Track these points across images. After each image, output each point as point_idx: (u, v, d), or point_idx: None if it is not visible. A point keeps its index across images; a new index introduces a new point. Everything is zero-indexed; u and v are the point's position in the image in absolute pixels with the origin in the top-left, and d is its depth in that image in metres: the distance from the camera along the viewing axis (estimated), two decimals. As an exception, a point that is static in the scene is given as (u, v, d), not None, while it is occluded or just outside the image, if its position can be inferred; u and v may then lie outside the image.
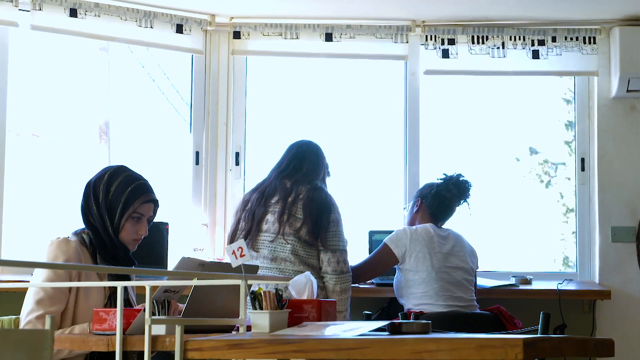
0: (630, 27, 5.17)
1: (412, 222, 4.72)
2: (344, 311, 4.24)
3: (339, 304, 4.20)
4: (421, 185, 4.87)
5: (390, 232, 4.67)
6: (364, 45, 5.36)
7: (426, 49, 5.37)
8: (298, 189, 4.30)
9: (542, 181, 5.78)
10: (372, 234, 5.09)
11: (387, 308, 4.82)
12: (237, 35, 5.39)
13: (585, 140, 5.46)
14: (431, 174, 4.89)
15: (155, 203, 3.54)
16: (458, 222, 4.80)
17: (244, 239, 4.25)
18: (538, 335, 3.08)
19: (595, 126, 5.38)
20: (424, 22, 5.35)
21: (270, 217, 4.26)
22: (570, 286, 5.13)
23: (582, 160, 5.46)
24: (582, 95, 5.49)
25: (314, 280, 3.23)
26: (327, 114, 5.60)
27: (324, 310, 3.06)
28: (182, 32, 5.30)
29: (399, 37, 5.36)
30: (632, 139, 5.32)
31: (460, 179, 4.68)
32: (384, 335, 2.73)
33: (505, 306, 4.48)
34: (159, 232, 4.87)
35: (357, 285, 4.57)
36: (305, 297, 3.18)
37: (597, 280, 5.31)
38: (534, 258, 5.61)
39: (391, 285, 4.67)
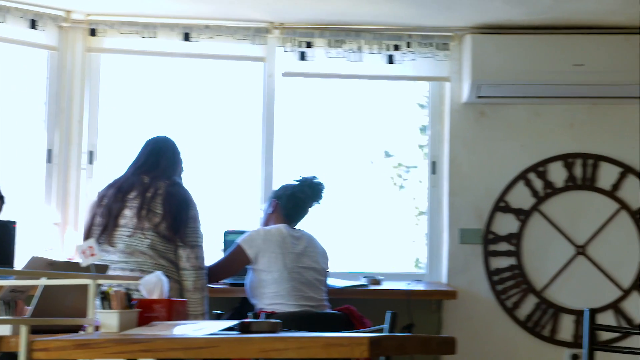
0: (481, 34, 5.33)
1: (266, 223, 4.76)
2: (205, 313, 4.25)
3: (197, 304, 4.21)
4: (276, 187, 4.91)
5: (245, 232, 4.70)
6: (222, 45, 5.37)
7: (284, 51, 5.41)
8: (157, 184, 4.29)
9: (395, 184, 5.90)
10: (227, 233, 5.11)
11: (239, 308, 4.84)
12: (93, 32, 5.32)
13: (437, 144, 5.60)
14: (288, 176, 4.94)
15: (1, 199, 3.47)
16: (313, 223, 4.86)
17: (101, 234, 4.21)
18: (383, 334, 3.15)
19: (447, 131, 5.52)
20: (282, 24, 5.39)
21: (128, 212, 4.24)
22: (419, 286, 5.27)
23: (434, 163, 5.60)
24: (435, 100, 5.63)
25: (165, 280, 3.23)
26: (185, 114, 5.58)
27: (174, 310, 3.06)
28: (35, 28, 5.20)
29: (257, 38, 5.40)
30: (481, 143, 5.48)
31: (315, 180, 4.75)
32: (234, 334, 2.75)
33: (356, 306, 4.56)
34: (6, 231, 4.77)
35: (210, 285, 4.58)
36: (155, 296, 3.18)
37: (445, 280, 5.46)
38: (387, 259, 5.72)
39: (243, 285, 4.69)
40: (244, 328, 2.81)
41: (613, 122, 5.49)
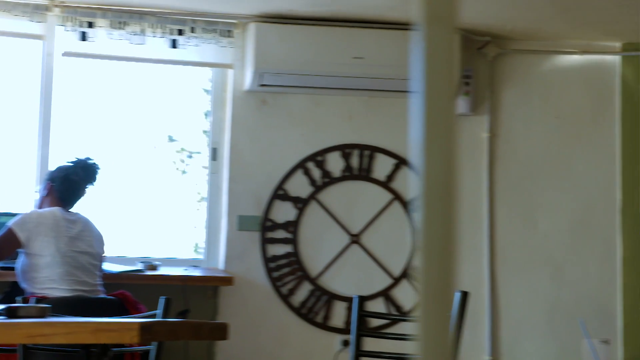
0: (265, 23, 5.37)
1: (41, 206, 4.64)
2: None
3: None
4: (52, 168, 4.79)
5: (18, 215, 4.56)
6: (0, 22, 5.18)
7: (65, 30, 5.27)
8: None
9: (178, 169, 5.87)
10: (-1, 216, 4.94)
11: (9, 293, 4.70)
12: None
13: (219, 131, 5.61)
14: (67, 158, 4.82)
15: None
16: (93, 207, 4.78)
17: None
18: (154, 320, 3.14)
19: (229, 118, 5.54)
20: (62, 2, 5.25)
21: None
22: (195, 272, 5.27)
23: (215, 150, 5.61)
24: (217, 87, 5.64)
25: None
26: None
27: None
28: None
29: (36, 16, 5.23)
30: (262, 132, 5.54)
31: (89, 162, 4.66)
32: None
33: (132, 292, 4.51)
34: None
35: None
36: None
37: (222, 267, 5.49)
38: (168, 245, 5.69)
39: (14, 269, 4.56)
40: (10, 313, 2.73)
41: (388, 114, 5.66)
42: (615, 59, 5.64)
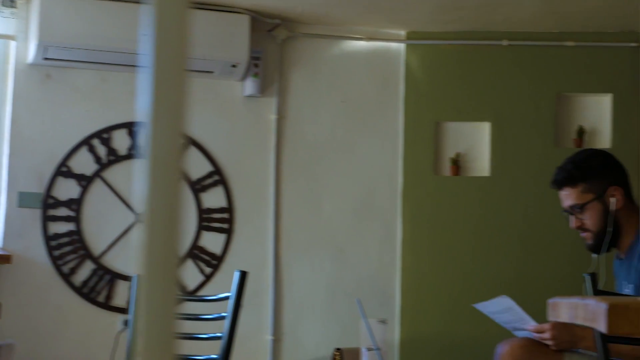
0: (52, -4, 5.22)
1: None
2: None
3: None
4: None
5: None
6: None
7: None
8: None
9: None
10: None
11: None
12: None
13: (0, 104, 5.41)
14: None
15: None
16: None
17: None
18: None
19: (10, 91, 5.35)
20: None
21: None
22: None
23: (-6, 124, 5.41)
24: (0, 59, 5.44)
25: None
26: None
27: None
28: None
29: None
30: (46, 107, 5.38)
31: None
32: None
33: None
34: None
35: None
36: None
37: (0, 244, 5.30)
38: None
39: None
40: None
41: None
42: (400, 47, 5.80)
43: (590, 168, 3.50)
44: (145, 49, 0.84)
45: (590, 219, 3.50)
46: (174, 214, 0.81)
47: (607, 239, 3.48)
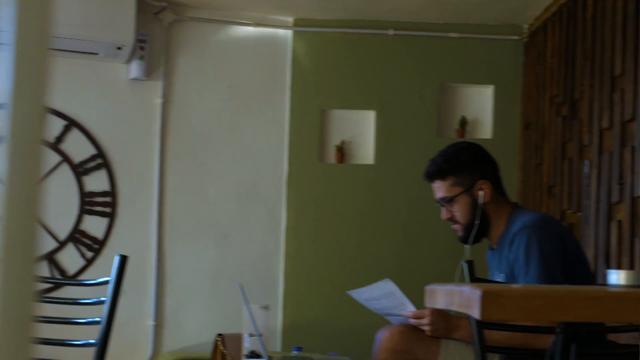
0: None
1: None
2: None
3: None
4: None
5: None
6: None
7: None
8: None
9: None
10: None
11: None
12: None
13: None
14: None
15: None
16: None
17: None
18: None
19: None
20: None
21: None
22: None
23: None
24: None
25: None
26: None
27: None
28: None
29: None
30: None
31: None
32: None
33: None
34: None
35: None
36: None
37: None
38: None
39: None
40: None
41: (59, 74, 5.51)
42: (287, 34, 5.80)
43: (459, 162, 3.56)
44: (6, 26, 0.82)
45: (459, 211, 3.57)
46: (34, 197, 0.79)
47: (474, 231, 3.55)
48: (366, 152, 5.80)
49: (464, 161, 3.57)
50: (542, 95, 5.42)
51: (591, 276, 3.49)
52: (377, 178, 5.75)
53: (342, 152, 5.75)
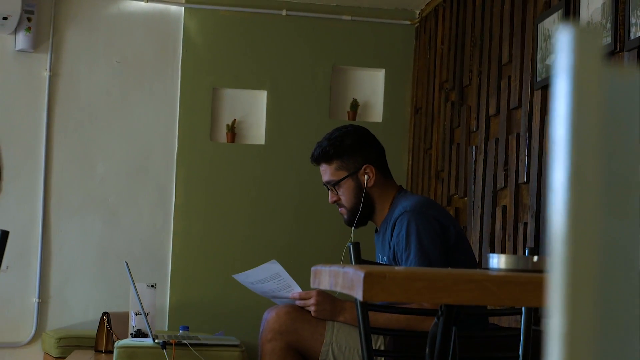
0: None
1: None
2: None
3: None
4: None
5: None
6: None
7: None
8: None
9: None
10: None
11: None
12: None
13: None
14: None
15: None
16: None
17: None
18: None
19: None
20: None
21: None
22: None
23: None
24: None
25: None
26: None
27: None
28: None
29: None
30: None
31: None
32: None
33: None
34: None
35: None
36: None
37: None
38: None
39: None
40: None
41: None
42: (179, 10, 5.74)
43: (344, 146, 3.58)
44: None
45: (344, 195, 3.60)
46: None
47: (358, 215, 3.59)
48: (257, 132, 5.80)
49: (348, 145, 3.60)
50: (432, 80, 5.50)
51: (473, 260, 3.56)
52: (268, 158, 5.75)
53: (233, 131, 5.73)
